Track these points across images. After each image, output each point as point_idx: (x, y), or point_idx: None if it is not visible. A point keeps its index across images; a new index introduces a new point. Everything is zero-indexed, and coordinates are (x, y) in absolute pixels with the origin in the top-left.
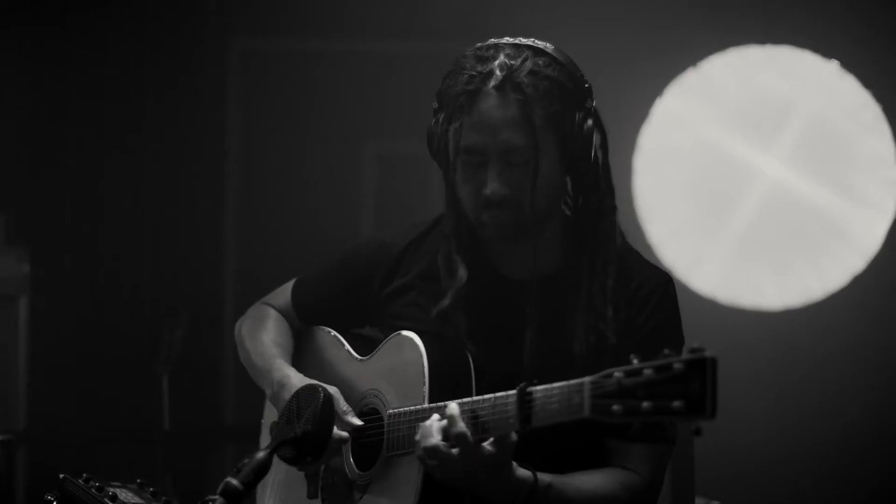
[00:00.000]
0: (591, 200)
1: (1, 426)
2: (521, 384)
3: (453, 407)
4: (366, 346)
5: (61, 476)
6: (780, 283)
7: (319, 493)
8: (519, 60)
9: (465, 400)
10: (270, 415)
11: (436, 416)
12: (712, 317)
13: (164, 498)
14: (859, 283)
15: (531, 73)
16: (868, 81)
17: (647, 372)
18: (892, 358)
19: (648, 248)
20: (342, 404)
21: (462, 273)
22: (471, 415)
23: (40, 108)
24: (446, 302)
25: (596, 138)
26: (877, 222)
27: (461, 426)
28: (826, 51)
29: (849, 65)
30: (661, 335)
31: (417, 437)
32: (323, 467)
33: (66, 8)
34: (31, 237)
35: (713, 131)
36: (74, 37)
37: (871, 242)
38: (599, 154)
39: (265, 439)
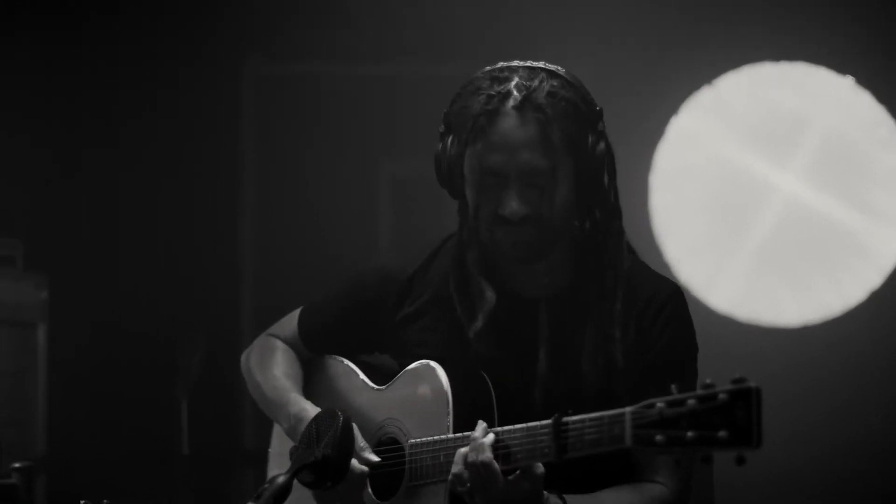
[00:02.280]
0: (599, 222)
1: (21, 453)
2: (556, 415)
3: (490, 437)
4: (379, 375)
5: (82, 502)
6: (799, 300)
7: None
8: (536, 81)
9: (497, 429)
10: (278, 444)
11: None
12: (730, 334)
13: None
14: (877, 299)
15: (549, 94)
16: (883, 97)
17: (691, 402)
18: None
19: (666, 265)
20: (360, 440)
21: (490, 294)
22: (500, 444)
23: (56, 133)
24: (479, 324)
25: (606, 162)
26: (894, 237)
27: (488, 455)
28: (840, 67)
29: (863, 80)
30: (676, 348)
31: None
32: (338, 497)
33: (81, 31)
34: (49, 264)
35: (729, 148)
36: (88, 61)
37: (888, 257)
38: (607, 178)
39: (273, 469)
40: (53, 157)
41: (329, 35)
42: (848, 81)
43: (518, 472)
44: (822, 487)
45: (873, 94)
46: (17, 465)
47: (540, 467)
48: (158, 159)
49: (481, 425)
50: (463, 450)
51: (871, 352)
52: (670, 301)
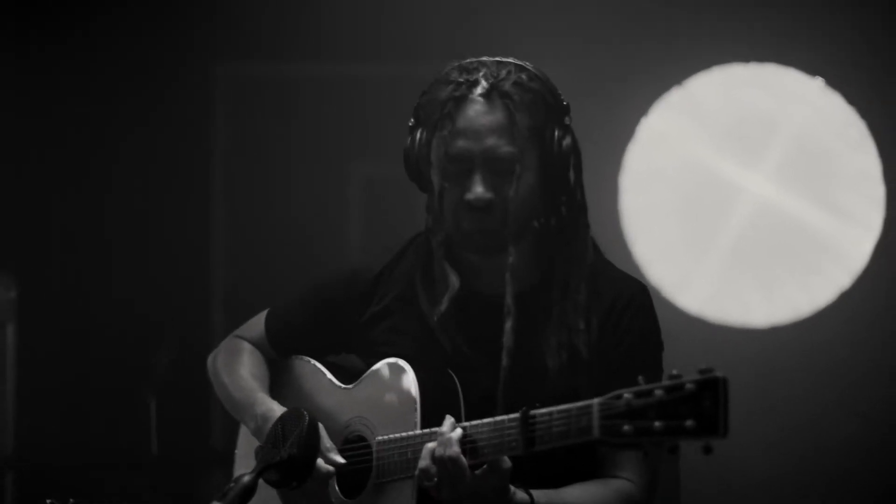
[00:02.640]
0: (564, 218)
1: None
2: (523, 408)
3: (457, 432)
4: (346, 375)
5: (48, 501)
6: (768, 301)
7: None
8: (504, 72)
9: (465, 424)
10: (244, 445)
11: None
12: (700, 335)
13: None
14: (847, 300)
15: (516, 84)
16: (853, 98)
17: (658, 393)
18: (881, 374)
19: (636, 267)
20: (326, 441)
21: (454, 279)
22: (467, 439)
23: (23, 133)
24: (443, 307)
25: (572, 158)
26: (863, 239)
27: (455, 449)
28: (810, 68)
29: (833, 82)
30: (642, 345)
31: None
32: (304, 496)
33: (51, 32)
34: (18, 263)
35: (699, 149)
36: (58, 61)
37: (857, 259)
38: (573, 173)
39: (239, 470)
40: (21, 156)
41: (301, 36)
42: (818, 83)
43: (485, 466)
44: (790, 488)
45: (843, 96)
46: None
47: (507, 461)
48: (129, 160)
49: (449, 420)
50: (430, 445)
51: (841, 353)
52: (636, 299)
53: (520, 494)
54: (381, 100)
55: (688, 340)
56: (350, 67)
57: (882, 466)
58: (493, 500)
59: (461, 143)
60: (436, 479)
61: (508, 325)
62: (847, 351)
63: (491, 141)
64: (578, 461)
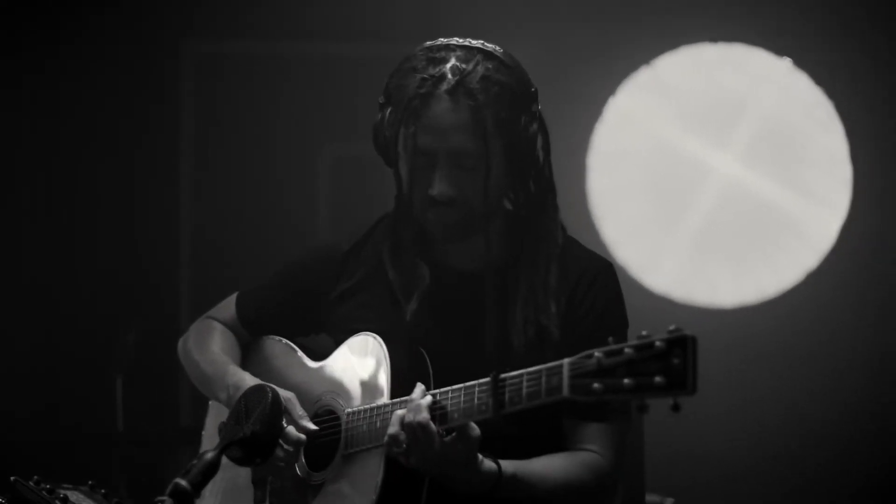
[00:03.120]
0: (533, 199)
1: None
2: (493, 372)
3: (427, 398)
4: (317, 354)
5: (12, 479)
6: (735, 281)
7: (267, 499)
8: (471, 65)
9: (434, 391)
10: (212, 425)
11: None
12: (667, 315)
13: (115, 500)
14: (813, 280)
15: (483, 78)
16: (820, 79)
17: (628, 351)
18: (846, 353)
19: (603, 246)
20: (298, 409)
21: (424, 273)
22: (437, 405)
23: None
24: (414, 305)
25: (540, 140)
26: (830, 219)
27: (424, 415)
28: (778, 48)
29: (801, 62)
30: (606, 321)
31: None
32: (272, 472)
33: (17, 11)
34: None
35: (667, 129)
36: (25, 42)
37: (824, 239)
38: (541, 154)
39: (205, 448)
40: None
41: (272, 14)
42: (786, 63)
43: (454, 433)
44: (754, 465)
45: (811, 76)
46: None
47: (476, 429)
48: (97, 137)
49: (420, 387)
50: (400, 412)
51: (807, 332)
52: (601, 275)
53: (487, 463)
54: (351, 79)
55: (655, 320)
56: (320, 46)
57: (843, 442)
58: (461, 468)
59: (426, 140)
60: (405, 445)
61: (479, 302)
62: (813, 330)
63: (455, 138)
64: (545, 436)
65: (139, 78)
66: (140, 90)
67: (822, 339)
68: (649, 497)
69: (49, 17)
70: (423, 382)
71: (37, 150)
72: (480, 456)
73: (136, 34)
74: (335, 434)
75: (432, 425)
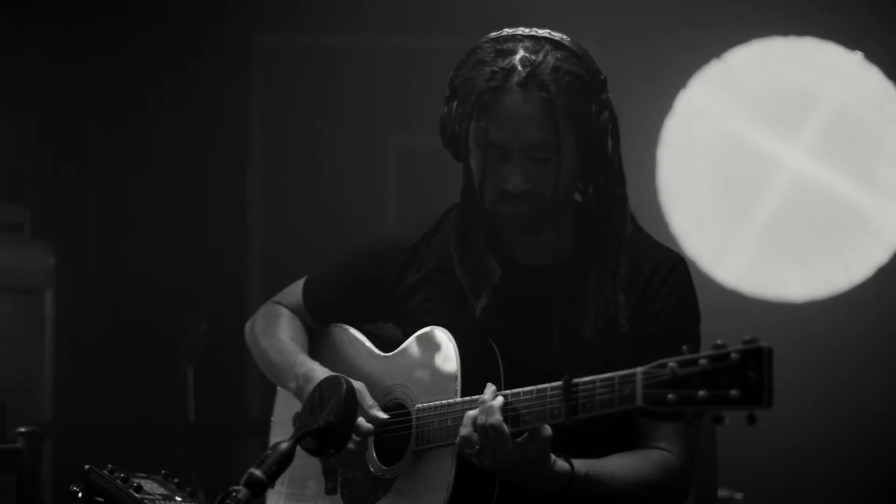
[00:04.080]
0: (603, 190)
1: (27, 419)
2: (566, 376)
3: (499, 400)
4: (384, 343)
5: (86, 467)
6: (805, 275)
7: (339, 489)
8: (541, 55)
9: (506, 392)
10: (281, 412)
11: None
12: (737, 308)
13: (188, 489)
14: (884, 274)
15: (554, 68)
16: (892, 73)
17: (703, 362)
18: None
19: (673, 239)
20: (367, 398)
21: (495, 269)
22: (509, 406)
23: (64, 103)
24: (485, 301)
25: (610, 129)
26: None
27: (497, 417)
28: (849, 42)
29: (872, 56)
30: (680, 317)
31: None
32: (342, 463)
33: (90, 4)
34: (57, 231)
35: (737, 123)
36: (98, 33)
37: (894, 233)
38: (611, 143)
39: (275, 437)
40: (62, 125)
41: (337, 8)
42: (857, 57)
43: (526, 434)
44: (826, 461)
45: (882, 70)
46: (22, 429)
47: (547, 429)
48: (167, 131)
49: (490, 388)
50: (472, 412)
51: (876, 327)
52: (674, 271)
53: (560, 463)
54: (418, 71)
55: (724, 314)
56: (388, 39)
57: None
58: (533, 469)
59: (500, 134)
60: (477, 447)
61: (549, 296)
62: (883, 325)
63: (529, 131)
64: (617, 433)
65: (211, 71)
66: (211, 83)
67: (894, 333)
68: (719, 492)
69: (118, 14)
70: (493, 378)
71: (107, 142)
72: (553, 456)
73: (204, 28)
74: (405, 429)
75: (505, 427)
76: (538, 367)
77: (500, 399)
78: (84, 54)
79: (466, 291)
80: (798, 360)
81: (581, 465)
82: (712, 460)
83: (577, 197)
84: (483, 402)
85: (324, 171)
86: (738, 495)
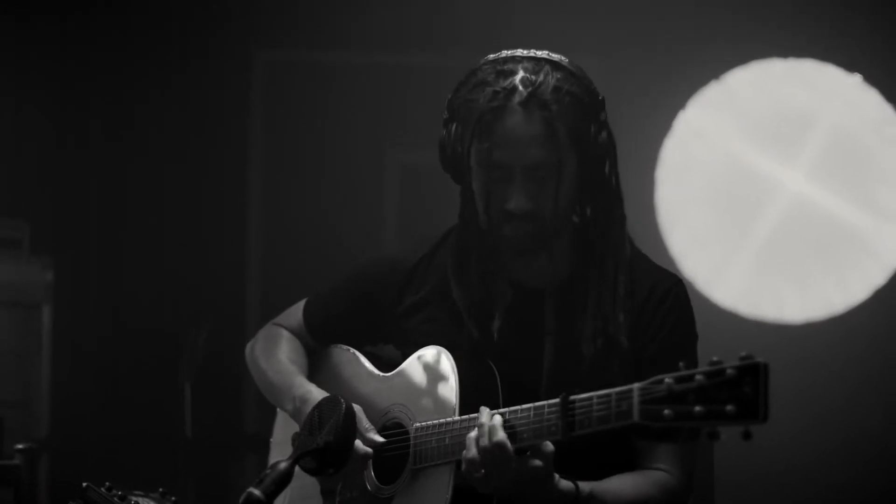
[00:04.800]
0: (601, 210)
1: (24, 434)
2: (563, 393)
3: (497, 419)
4: (384, 364)
5: (84, 485)
6: (802, 296)
7: None
8: (541, 76)
9: (503, 410)
10: (280, 433)
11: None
12: (734, 329)
13: None
14: (881, 296)
15: (555, 88)
16: (891, 95)
17: (699, 377)
18: None
19: (670, 260)
20: (365, 422)
21: (506, 290)
22: (507, 425)
23: (64, 118)
24: (498, 322)
25: (608, 149)
26: None
27: (501, 435)
28: (848, 64)
29: (871, 78)
30: (677, 338)
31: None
32: (341, 483)
33: (93, 18)
34: (55, 246)
35: (735, 144)
36: (98, 49)
37: (892, 255)
38: (609, 163)
39: (274, 458)
40: (62, 141)
41: (338, 24)
42: (856, 79)
43: (528, 452)
44: (823, 483)
45: (881, 92)
46: (20, 446)
47: (549, 445)
48: (166, 145)
49: (486, 410)
50: (472, 434)
51: (874, 349)
52: (672, 292)
53: (564, 482)
54: (418, 88)
55: (721, 334)
56: (387, 56)
57: None
58: (539, 486)
59: (502, 154)
60: (482, 469)
61: (548, 316)
62: (880, 346)
63: (531, 151)
64: (613, 454)
65: (210, 87)
66: (210, 99)
67: (890, 355)
68: None
69: (122, 27)
70: (492, 397)
71: (107, 156)
72: (557, 475)
73: (206, 44)
74: (403, 448)
75: (509, 445)
76: (537, 387)
77: (498, 418)
78: (84, 72)
79: (463, 313)
80: (795, 381)
81: (585, 485)
82: (709, 480)
83: (575, 218)
84: (481, 424)
85: (324, 186)
86: None
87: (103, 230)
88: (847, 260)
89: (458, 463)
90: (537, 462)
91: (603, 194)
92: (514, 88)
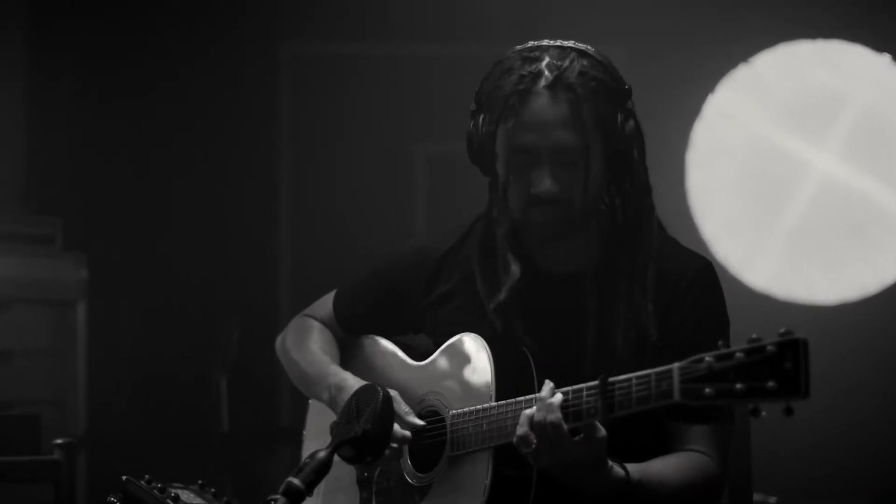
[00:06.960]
0: (629, 199)
1: (62, 430)
2: (602, 375)
3: (559, 397)
4: (417, 353)
5: (124, 478)
6: (834, 278)
7: (374, 499)
8: (567, 61)
9: (564, 389)
10: (313, 426)
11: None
12: (767, 311)
13: (225, 499)
14: None
15: (580, 73)
16: None
17: (739, 355)
18: None
19: (702, 243)
20: (403, 406)
21: (515, 269)
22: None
23: (94, 114)
24: (502, 296)
25: (635, 139)
26: None
27: (557, 415)
28: (877, 44)
29: None
30: (708, 322)
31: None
32: (377, 472)
33: (119, 15)
34: (89, 243)
35: (765, 127)
36: (126, 44)
37: None
38: (636, 153)
39: (308, 451)
40: (94, 138)
41: (365, 16)
42: (884, 59)
43: (581, 434)
44: (858, 464)
45: None
46: (59, 441)
47: (601, 430)
48: (197, 141)
49: (548, 385)
50: (528, 411)
51: None
52: (701, 275)
53: (616, 468)
54: (446, 79)
55: (754, 317)
56: (415, 47)
57: None
58: (590, 470)
59: (527, 137)
60: (534, 445)
61: (575, 305)
62: None
63: (557, 134)
64: (648, 438)
65: (238, 82)
66: (239, 94)
67: None
68: (755, 496)
69: (150, 23)
70: (527, 382)
71: (137, 152)
72: (610, 462)
73: (233, 39)
74: (440, 436)
75: (564, 425)
76: (571, 374)
77: (559, 396)
78: (114, 69)
79: (482, 292)
80: (830, 363)
81: (635, 472)
82: (746, 464)
83: (603, 206)
84: (541, 399)
85: (353, 179)
86: (772, 499)
87: (136, 226)
88: (878, 240)
89: (497, 449)
90: (589, 446)
91: (632, 183)
92: (540, 72)
